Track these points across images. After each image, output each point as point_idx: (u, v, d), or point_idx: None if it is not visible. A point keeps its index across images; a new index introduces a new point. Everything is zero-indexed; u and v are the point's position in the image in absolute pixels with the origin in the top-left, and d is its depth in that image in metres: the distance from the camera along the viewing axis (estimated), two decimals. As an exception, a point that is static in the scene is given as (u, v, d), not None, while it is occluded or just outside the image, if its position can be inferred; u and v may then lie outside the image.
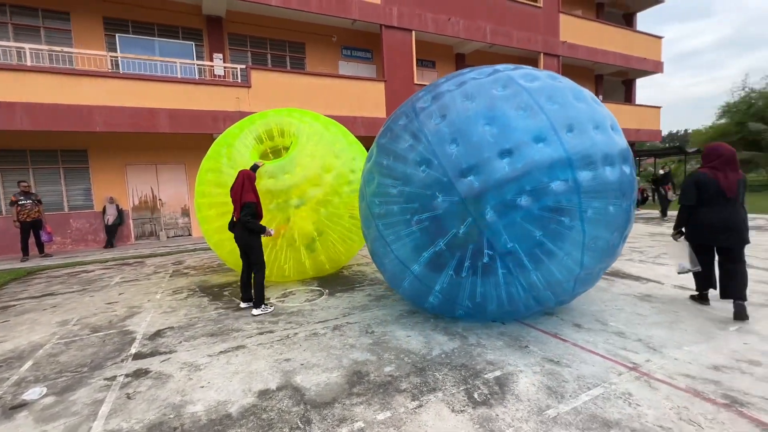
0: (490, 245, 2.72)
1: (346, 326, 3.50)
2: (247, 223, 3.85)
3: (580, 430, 1.93)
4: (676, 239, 3.72)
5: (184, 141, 10.09)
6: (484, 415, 2.09)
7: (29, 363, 3.01)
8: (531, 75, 3.03)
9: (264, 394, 2.40)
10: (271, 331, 3.45)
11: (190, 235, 10.76)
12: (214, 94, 9.19)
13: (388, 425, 2.04)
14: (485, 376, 2.51)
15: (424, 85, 9.30)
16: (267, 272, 4.18)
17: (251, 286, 4.08)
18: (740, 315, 3.26)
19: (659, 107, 17.89)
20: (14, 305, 4.70)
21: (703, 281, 3.63)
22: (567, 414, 2.07)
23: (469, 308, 3.15)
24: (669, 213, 11.54)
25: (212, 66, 10.14)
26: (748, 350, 2.73)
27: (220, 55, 10.41)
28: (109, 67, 9.24)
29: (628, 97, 18.74)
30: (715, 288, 3.57)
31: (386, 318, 3.67)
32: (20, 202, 7.66)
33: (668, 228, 9.04)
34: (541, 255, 2.72)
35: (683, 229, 3.67)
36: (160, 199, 10.34)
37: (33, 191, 8.32)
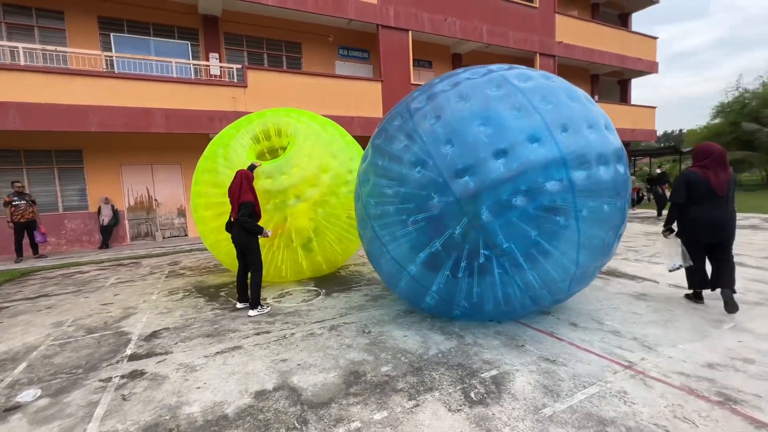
0: (486, 245, 2.73)
1: (343, 326, 3.50)
2: (245, 223, 3.83)
3: (575, 429, 1.94)
4: (666, 236, 3.78)
5: (180, 141, 10.04)
6: (481, 414, 2.09)
7: (23, 365, 2.98)
8: (525, 75, 3.04)
9: (261, 394, 2.39)
10: (268, 332, 3.44)
11: (186, 235, 10.71)
12: (210, 94, 9.15)
13: (384, 425, 2.04)
14: (482, 375, 2.51)
15: (421, 85, 9.31)
16: (264, 273, 4.17)
17: (248, 286, 4.07)
18: (730, 305, 3.32)
19: (654, 107, 18.01)
20: (8, 307, 4.66)
21: (698, 280, 3.66)
22: (563, 412, 2.08)
23: (466, 308, 3.16)
24: (664, 212, 11.62)
25: (208, 66, 10.10)
26: (742, 348, 2.75)
27: (216, 55, 10.37)
28: (104, 66, 9.19)
29: (624, 97, 18.86)
30: (708, 287, 3.61)
31: (383, 318, 3.67)
32: (14, 203, 7.59)
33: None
34: (536, 254, 2.74)
35: (674, 227, 3.74)
36: (155, 200, 10.29)
37: (27, 192, 8.25)
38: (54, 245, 9.13)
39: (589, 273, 3.09)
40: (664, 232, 3.80)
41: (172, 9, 9.98)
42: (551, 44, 14.52)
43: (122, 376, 2.71)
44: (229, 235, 4.11)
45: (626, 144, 18.25)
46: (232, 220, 4.04)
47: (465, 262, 2.83)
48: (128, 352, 3.14)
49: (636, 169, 24.90)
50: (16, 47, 8.07)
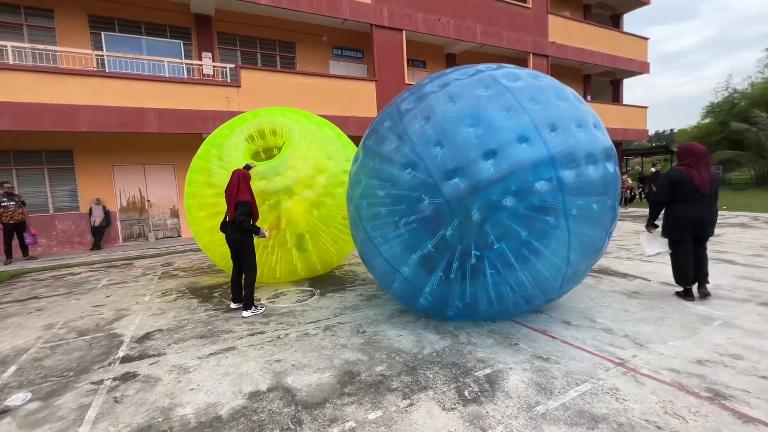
0: (478, 246, 2.75)
1: (337, 326, 3.49)
2: (242, 222, 3.80)
3: (568, 426, 1.96)
4: (650, 231, 3.98)
5: (173, 141, 9.96)
6: (475, 413, 2.11)
7: (13, 368, 2.94)
8: (513, 74, 3.05)
9: (254, 395, 2.38)
10: (262, 332, 3.43)
11: (179, 236, 10.63)
12: (203, 94, 9.09)
13: (379, 424, 2.05)
14: (476, 373, 2.53)
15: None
16: (258, 273, 4.15)
17: (242, 286, 4.05)
18: (705, 294, 3.73)
19: (646, 107, 18.21)
20: (-3, 309, 4.59)
21: (687, 275, 3.73)
22: (556, 410, 2.10)
23: (459, 309, 3.17)
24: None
25: (201, 65, 10.02)
26: (731, 344, 2.80)
27: (209, 54, 10.29)
28: (95, 65, 9.08)
29: (616, 97, 19.04)
30: (701, 283, 3.76)
31: (377, 317, 3.67)
32: (3, 204, 7.47)
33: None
34: (528, 254, 2.75)
35: (657, 223, 3.93)
36: (148, 200, 10.20)
37: (16, 192, 8.14)
38: (44, 247, 9.01)
39: (581, 272, 3.12)
40: (647, 227, 3.98)
41: (164, 8, 9.89)
42: (544, 44, 14.61)
43: (114, 379, 2.69)
44: (223, 236, 4.09)
45: (618, 143, 18.44)
46: (227, 220, 4.00)
47: (457, 263, 2.84)
48: (120, 354, 3.11)
49: (628, 168, 25.16)
50: (5, 46, 7.95)
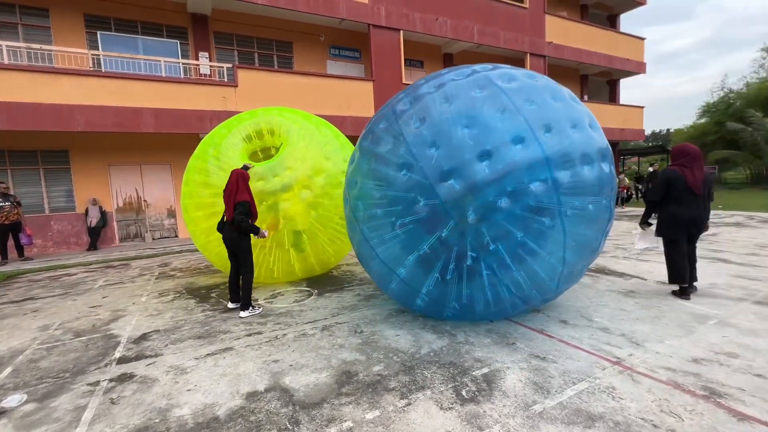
0: (474, 247, 2.75)
1: (335, 326, 3.49)
2: (241, 222, 3.79)
3: (565, 424, 1.97)
4: (644, 229, 4.10)
5: (170, 141, 9.92)
6: (472, 412, 2.11)
7: (9, 369, 2.93)
8: (509, 75, 3.06)
9: (252, 395, 2.38)
10: (260, 333, 3.42)
11: (176, 236, 10.59)
12: (200, 94, 9.06)
13: (376, 424, 2.05)
14: (473, 373, 2.53)
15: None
16: (255, 274, 4.14)
17: (240, 286, 4.03)
18: (694, 290, 3.90)
19: (642, 107, 18.30)
20: (-8, 310, 4.56)
21: (683, 273, 3.75)
22: (553, 409, 2.11)
23: (456, 310, 3.17)
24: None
25: (198, 65, 9.99)
26: (726, 343, 2.82)
27: (206, 54, 10.26)
28: (91, 65, 9.02)
29: (613, 97, 19.12)
30: (691, 281, 3.84)
31: (375, 317, 3.67)
32: (-2, 205, 7.43)
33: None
34: (524, 255, 2.76)
35: (650, 221, 4.04)
36: (145, 200, 10.15)
37: (12, 193, 8.08)
38: (40, 247, 8.96)
39: (577, 271, 3.13)
40: (641, 225, 4.09)
41: (160, 7, 9.85)
42: (541, 44, 14.65)
43: (111, 380, 2.67)
44: (220, 236, 4.07)
45: (615, 143, 18.53)
46: (225, 220, 3.99)
47: (453, 264, 2.84)
48: (117, 355, 3.10)
49: (625, 168, 25.26)
50: (0, 45, 7.89)
